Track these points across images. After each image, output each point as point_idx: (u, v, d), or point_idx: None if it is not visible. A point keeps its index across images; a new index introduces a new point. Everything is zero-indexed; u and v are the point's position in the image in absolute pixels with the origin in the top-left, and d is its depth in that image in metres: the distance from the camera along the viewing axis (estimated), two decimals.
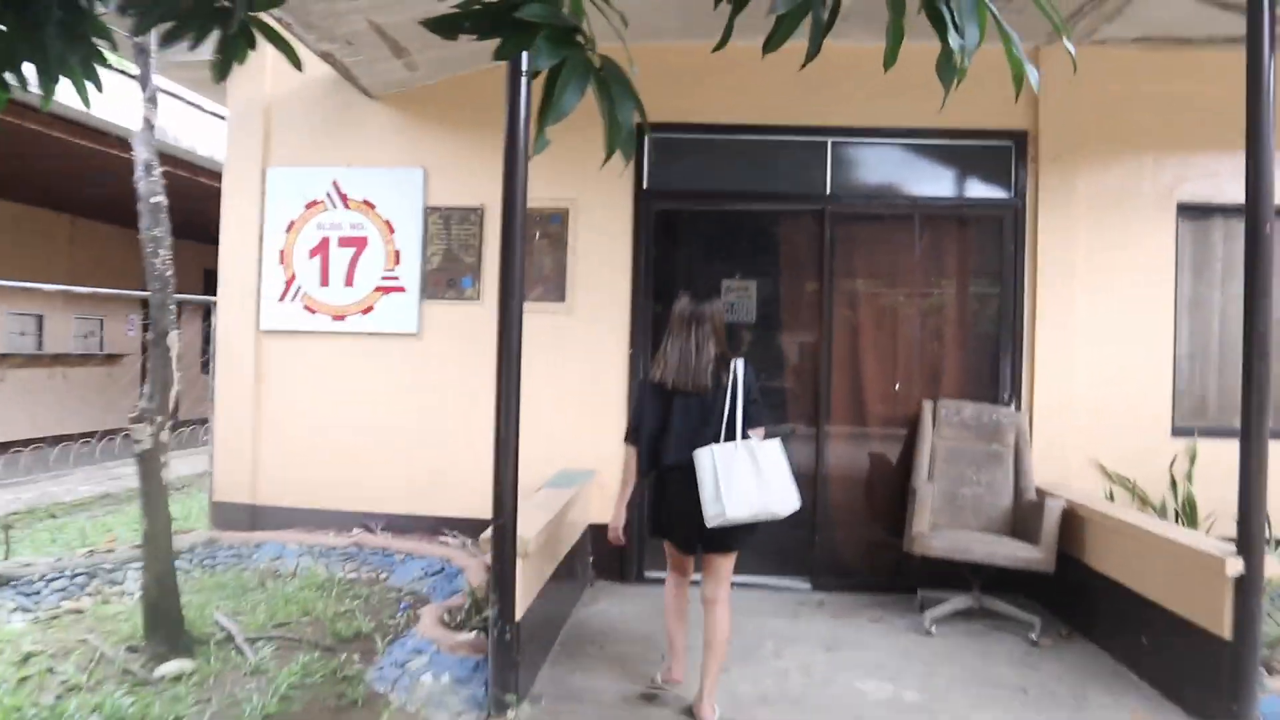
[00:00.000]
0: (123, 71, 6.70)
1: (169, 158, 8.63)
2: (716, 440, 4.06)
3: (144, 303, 8.65)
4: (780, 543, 6.45)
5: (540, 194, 6.34)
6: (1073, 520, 5.49)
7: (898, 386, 6.44)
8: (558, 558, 5.17)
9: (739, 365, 4.16)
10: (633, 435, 4.31)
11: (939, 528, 5.73)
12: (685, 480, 4.06)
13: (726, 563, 4.25)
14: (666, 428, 4.18)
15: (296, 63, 2.67)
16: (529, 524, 4.38)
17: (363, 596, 5.66)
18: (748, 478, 3.97)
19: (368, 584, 5.94)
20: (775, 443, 4.12)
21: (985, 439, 6.08)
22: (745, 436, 4.09)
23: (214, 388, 6.73)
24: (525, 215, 4.02)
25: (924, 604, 5.79)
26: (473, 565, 5.67)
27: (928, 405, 6.21)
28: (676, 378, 4.17)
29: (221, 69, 2.55)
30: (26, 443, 10.46)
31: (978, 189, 6.53)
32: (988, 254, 6.50)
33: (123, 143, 9.28)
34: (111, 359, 13.62)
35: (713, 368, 4.15)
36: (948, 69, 1.96)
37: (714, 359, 4.17)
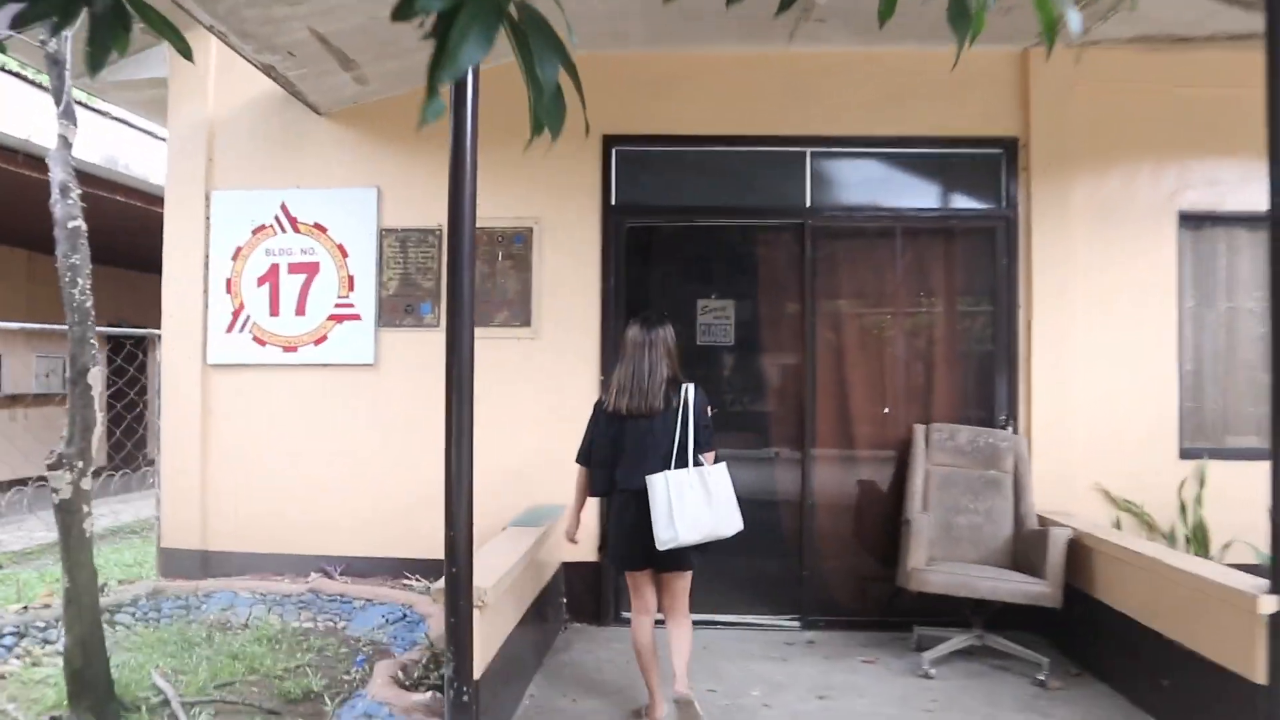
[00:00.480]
0: (40, 85, 6.30)
1: (121, 187, 8.26)
2: (667, 464, 4.14)
3: (110, 339, 8.36)
4: (767, 577, 6.06)
5: (502, 213, 5.99)
6: (1080, 551, 5.11)
7: (887, 410, 6.06)
8: (525, 603, 4.75)
9: (690, 390, 4.22)
10: (584, 456, 4.47)
11: (936, 561, 5.34)
12: (638, 504, 4.14)
13: (681, 581, 4.34)
14: (620, 451, 4.27)
15: (186, 52, 2.27)
16: (488, 572, 3.97)
17: (316, 649, 5.21)
18: (699, 504, 4.07)
19: (324, 634, 5.49)
20: (722, 467, 4.20)
21: (982, 464, 5.71)
22: (697, 462, 4.17)
23: (159, 426, 6.29)
24: (474, 235, 3.63)
25: (921, 643, 5.40)
26: (436, 612, 5.20)
27: (919, 430, 5.84)
28: (630, 401, 4.23)
29: (95, 59, 2.14)
30: None
31: (967, 200, 6.19)
32: (979, 269, 6.15)
33: (90, 177, 8.96)
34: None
35: (664, 390, 4.22)
36: (962, 18, 1.57)
37: (665, 381, 4.24)
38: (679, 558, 4.19)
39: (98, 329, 4.37)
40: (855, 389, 6.08)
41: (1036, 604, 4.97)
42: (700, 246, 6.29)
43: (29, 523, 9.07)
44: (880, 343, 6.14)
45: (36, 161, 7.98)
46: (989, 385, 6.04)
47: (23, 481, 10.55)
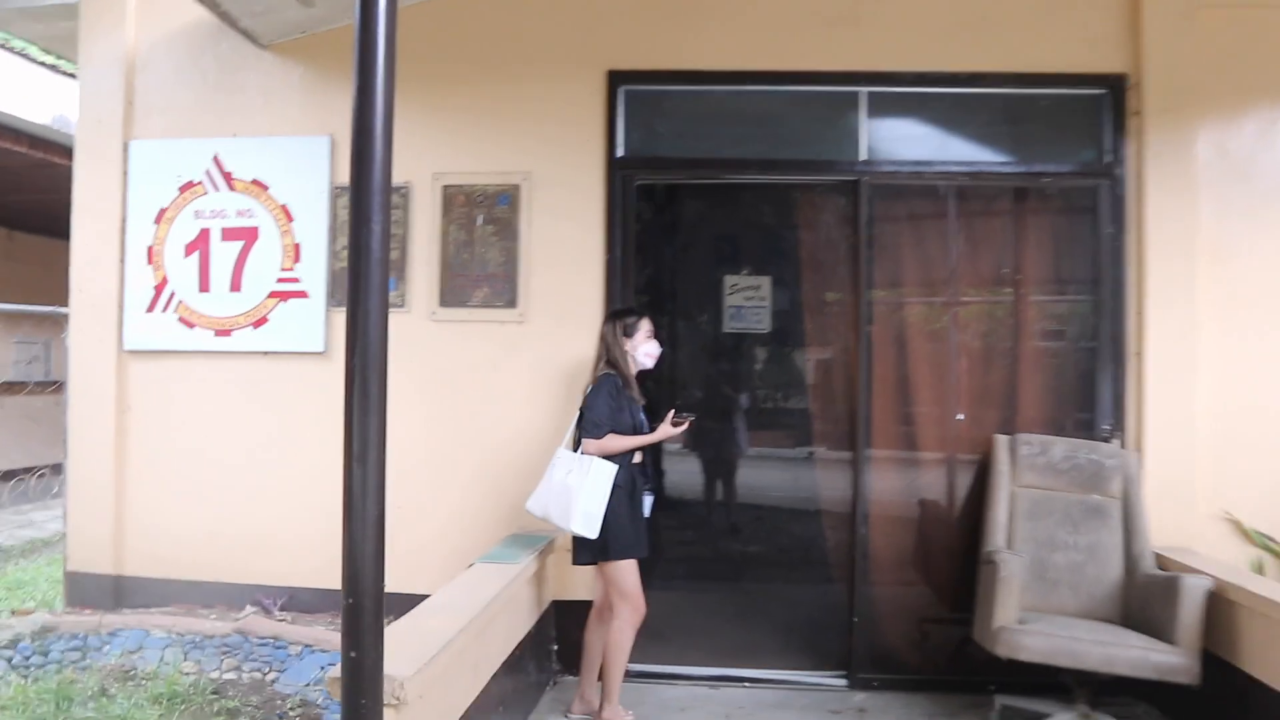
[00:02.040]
0: None
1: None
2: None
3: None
4: (809, 622, 4.89)
5: (482, 167, 4.86)
6: (1219, 606, 3.88)
7: (961, 416, 4.85)
8: (492, 665, 3.62)
9: (593, 382, 4.19)
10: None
11: (1029, 614, 4.13)
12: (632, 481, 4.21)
13: (599, 573, 4.29)
14: None
15: None
16: (413, 650, 2.81)
17: (230, 711, 4.11)
18: (548, 482, 4.15)
19: (247, 689, 4.41)
20: (585, 461, 4.05)
21: (1082, 487, 4.50)
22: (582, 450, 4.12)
23: (66, 424, 5.19)
24: (387, 180, 2.42)
25: (1005, 717, 4.20)
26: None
27: (1002, 442, 4.63)
28: None
29: None
30: None
31: (1061, 154, 4.95)
32: (1077, 241, 4.94)
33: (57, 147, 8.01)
34: (61, 386, 12.06)
35: (591, 379, 4.23)
36: None
37: (592, 371, 4.25)
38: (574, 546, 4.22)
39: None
40: (920, 389, 4.88)
41: (1166, 679, 3.76)
42: (728, 210, 5.11)
43: None
44: (951, 332, 4.92)
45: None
46: (1088, 387, 4.81)
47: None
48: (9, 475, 10.28)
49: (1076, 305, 4.93)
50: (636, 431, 4.13)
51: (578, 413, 4.23)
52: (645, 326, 4.24)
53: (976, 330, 4.93)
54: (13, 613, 5.12)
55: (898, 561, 4.87)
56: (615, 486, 4.02)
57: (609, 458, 4.04)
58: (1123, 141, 4.74)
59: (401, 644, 2.82)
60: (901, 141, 4.92)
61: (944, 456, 4.91)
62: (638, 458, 4.19)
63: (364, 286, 2.46)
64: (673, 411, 4.15)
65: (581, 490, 3.97)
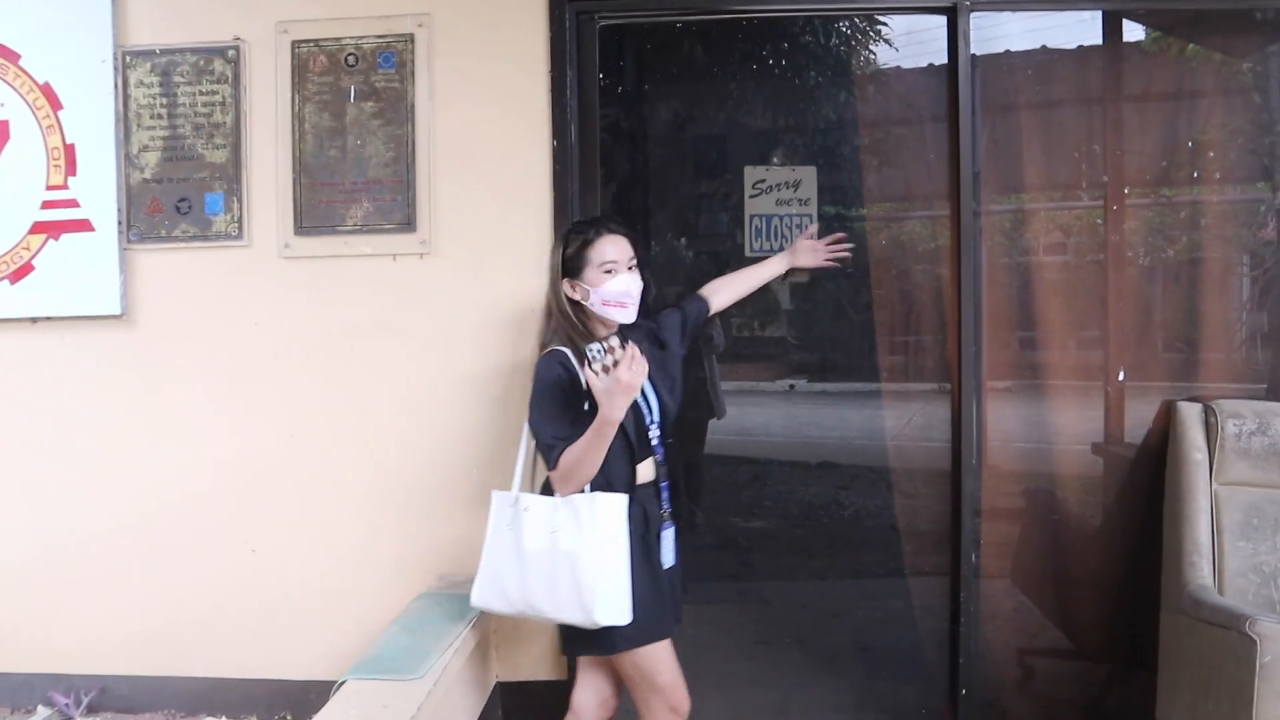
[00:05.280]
0: None
1: None
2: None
3: None
4: (890, 669, 3.31)
5: (353, 8, 3.05)
6: None
7: (1123, 376, 3.13)
8: None
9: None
10: None
11: None
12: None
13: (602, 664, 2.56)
14: None
15: None
16: None
17: None
18: (514, 555, 2.37)
19: None
20: (607, 509, 2.26)
21: None
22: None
23: None
24: None
25: None
26: None
27: (1190, 412, 2.94)
28: None
29: None
30: None
31: None
32: None
33: None
34: None
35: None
36: None
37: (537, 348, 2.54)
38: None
39: None
40: (1054, 336, 3.17)
41: None
42: (745, 65, 3.29)
43: None
44: (1110, 254, 3.20)
45: None
46: None
47: None
48: None
49: None
50: (628, 433, 2.35)
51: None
52: (603, 251, 2.41)
53: (1148, 251, 3.23)
54: None
55: (1017, 609, 3.22)
56: None
57: (609, 484, 2.34)
58: None
59: None
60: None
61: (1094, 438, 3.21)
62: (647, 473, 2.43)
63: None
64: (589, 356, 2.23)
65: (590, 557, 2.26)
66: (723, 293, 2.74)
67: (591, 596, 2.23)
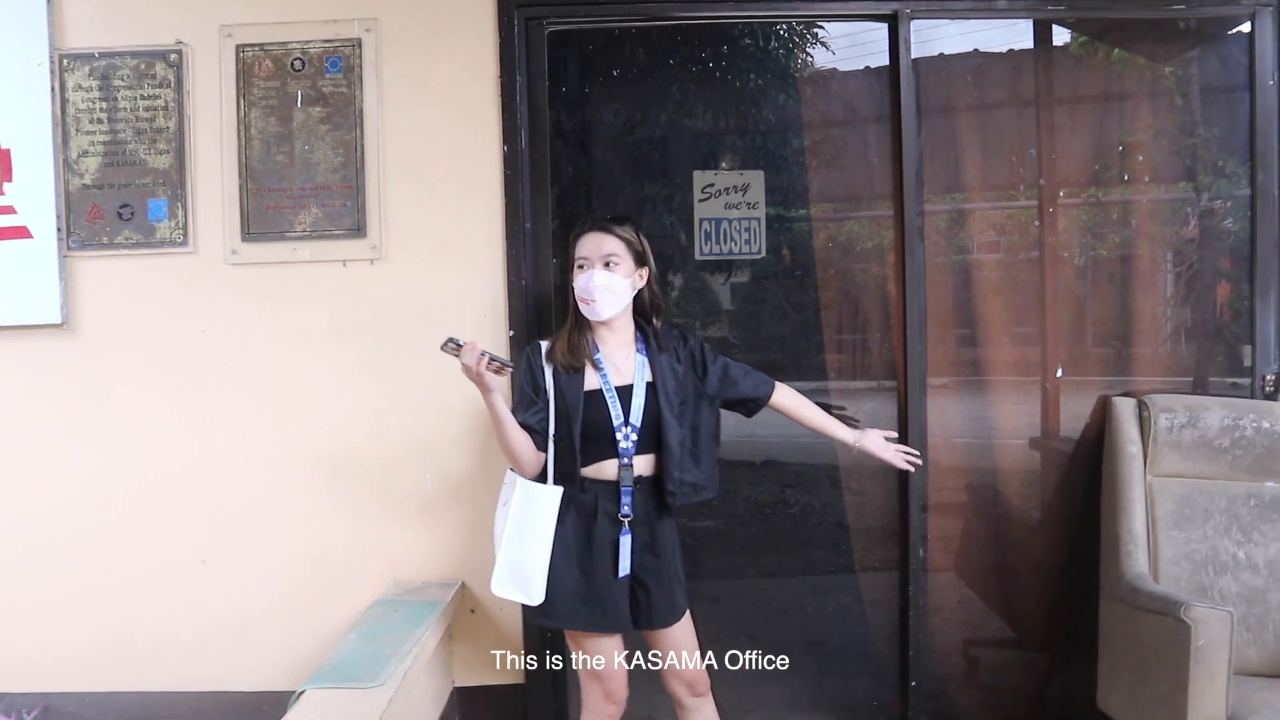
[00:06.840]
0: None
1: None
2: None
3: None
4: (840, 664, 3.36)
5: (299, 13, 3.03)
6: None
7: (1060, 372, 3.23)
8: None
9: None
10: None
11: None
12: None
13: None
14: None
15: None
16: None
17: None
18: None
19: None
20: (522, 491, 2.44)
21: (1256, 471, 2.95)
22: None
23: None
24: None
25: None
26: None
27: (1125, 407, 3.05)
28: None
29: None
30: None
31: None
32: (1221, 109, 3.32)
33: None
34: None
35: None
36: None
37: None
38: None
39: None
40: (992, 332, 3.26)
41: None
42: (695, 69, 3.33)
43: None
44: (1044, 253, 3.29)
45: None
46: (1245, 324, 3.21)
47: None
48: None
49: (1223, 206, 3.33)
50: (572, 429, 2.42)
51: None
52: (580, 246, 2.48)
53: (1082, 248, 3.32)
54: None
55: (961, 601, 3.31)
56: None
57: (562, 475, 2.46)
58: None
59: None
60: None
61: (1032, 433, 3.31)
62: (607, 472, 2.45)
63: None
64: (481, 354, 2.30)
65: (510, 529, 2.45)
66: (789, 402, 2.68)
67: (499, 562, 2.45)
